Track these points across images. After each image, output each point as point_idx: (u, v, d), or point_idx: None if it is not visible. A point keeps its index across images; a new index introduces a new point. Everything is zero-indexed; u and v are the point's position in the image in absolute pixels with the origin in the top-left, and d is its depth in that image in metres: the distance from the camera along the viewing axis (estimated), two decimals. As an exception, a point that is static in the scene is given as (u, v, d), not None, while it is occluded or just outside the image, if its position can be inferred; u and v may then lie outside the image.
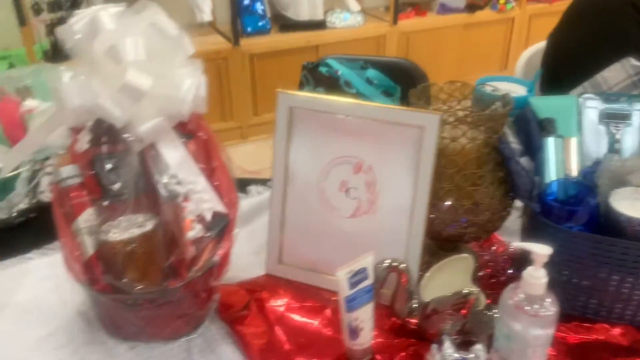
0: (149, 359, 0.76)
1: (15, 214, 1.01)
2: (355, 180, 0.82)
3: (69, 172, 0.77)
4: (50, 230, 0.99)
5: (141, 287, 0.72)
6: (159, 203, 0.76)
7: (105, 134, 0.76)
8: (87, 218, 0.77)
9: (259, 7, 2.88)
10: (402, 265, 0.76)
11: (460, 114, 0.86)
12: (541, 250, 0.61)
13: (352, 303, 0.71)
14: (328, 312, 0.82)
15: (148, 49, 0.72)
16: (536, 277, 0.62)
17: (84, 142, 0.74)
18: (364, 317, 0.72)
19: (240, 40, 2.78)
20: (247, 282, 0.88)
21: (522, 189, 0.80)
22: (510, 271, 0.89)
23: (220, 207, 0.78)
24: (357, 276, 0.71)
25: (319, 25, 2.94)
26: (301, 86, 1.69)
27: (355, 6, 3.01)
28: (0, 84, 1.04)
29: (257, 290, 0.86)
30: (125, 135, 0.74)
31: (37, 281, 0.90)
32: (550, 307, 0.62)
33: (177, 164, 0.78)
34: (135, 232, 0.73)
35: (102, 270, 0.75)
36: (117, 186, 0.78)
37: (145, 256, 0.73)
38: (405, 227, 0.80)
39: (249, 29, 2.86)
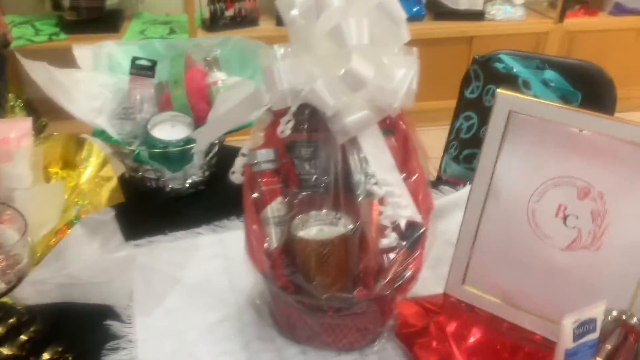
0: (322, 370, 0.70)
1: (187, 185, 1.00)
2: (578, 207, 0.70)
3: (265, 156, 0.73)
4: (219, 206, 0.98)
5: (330, 293, 0.66)
6: (354, 203, 0.70)
7: (307, 120, 0.71)
8: (277, 207, 0.72)
9: (415, -9, 2.75)
10: (634, 321, 0.63)
11: None
12: None
13: (573, 357, 0.60)
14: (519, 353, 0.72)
15: (370, 32, 0.64)
16: None
17: (286, 127, 0.69)
18: (582, 374, 0.61)
19: (392, 25, 2.67)
20: (424, 299, 0.80)
21: None
22: None
23: (417, 216, 0.70)
24: (584, 327, 0.60)
25: (478, 15, 2.76)
26: (468, 81, 1.56)
27: (518, -1, 2.79)
28: (190, 52, 1.03)
29: (436, 312, 0.77)
30: (331, 125, 0.68)
31: (207, 259, 0.88)
32: None
33: (377, 162, 0.70)
34: (333, 233, 0.67)
35: (286, 266, 0.70)
36: (312, 178, 0.72)
37: (339, 261, 0.67)
38: (636, 272, 0.67)
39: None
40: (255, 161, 0.72)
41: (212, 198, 1.01)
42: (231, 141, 1.01)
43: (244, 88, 0.94)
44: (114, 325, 0.74)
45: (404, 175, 0.72)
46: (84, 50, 1.06)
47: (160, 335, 0.74)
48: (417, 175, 0.73)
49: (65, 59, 2.93)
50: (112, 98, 1.00)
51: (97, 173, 0.68)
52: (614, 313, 0.63)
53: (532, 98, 0.72)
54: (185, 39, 1.09)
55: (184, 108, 0.99)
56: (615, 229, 0.68)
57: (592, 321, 0.60)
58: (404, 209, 0.69)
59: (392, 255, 0.69)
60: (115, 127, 0.97)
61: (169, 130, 0.97)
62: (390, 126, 0.74)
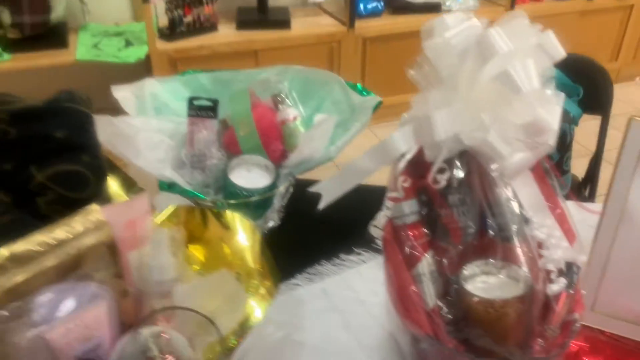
0: None
1: (266, 232, 0.93)
2: None
3: (411, 208, 0.68)
4: (303, 250, 0.92)
5: (517, 353, 0.63)
6: (510, 249, 0.67)
7: (457, 166, 0.67)
8: (429, 261, 0.68)
9: (372, -13, 2.74)
10: None
11: None
12: None
13: None
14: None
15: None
16: None
17: (442, 178, 0.64)
18: None
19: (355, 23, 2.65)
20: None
21: None
22: None
23: (580, 256, 0.68)
24: None
25: (435, 7, 2.79)
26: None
27: (471, -12, 2.85)
28: (247, 85, 0.95)
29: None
30: (491, 170, 0.64)
31: (317, 315, 0.82)
32: None
33: (531, 204, 0.68)
34: (506, 287, 0.64)
35: (447, 324, 0.66)
36: (463, 225, 0.68)
37: (518, 318, 0.64)
38: None
39: (362, 11, 2.72)
40: (402, 214, 0.67)
41: (292, 242, 0.94)
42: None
43: (328, 124, 0.88)
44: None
45: (552, 212, 0.70)
46: (125, 92, 0.94)
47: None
48: (558, 209, 0.71)
49: (10, 83, 2.69)
50: (173, 145, 0.90)
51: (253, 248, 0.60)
52: None
53: (667, 123, 0.72)
54: (232, 71, 0.99)
55: (255, 149, 0.91)
56: None
57: None
58: (565, 250, 0.67)
59: (558, 300, 0.67)
60: (185, 178, 0.88)
61: (246, 175, 0.89)
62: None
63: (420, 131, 0.64)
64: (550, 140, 0.65)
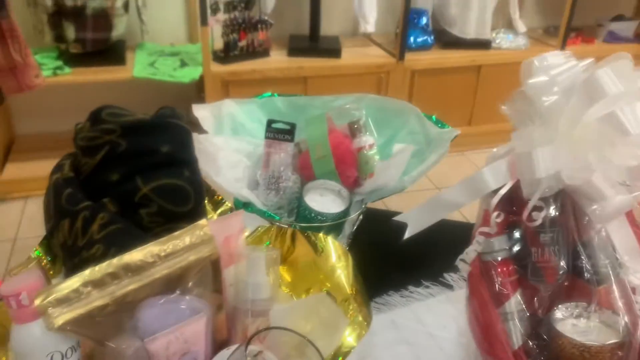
0: None
1: (334, 258, 0.92)
2: None
3: (501, 244, 0.67)
4: (369, 279, 0.91)
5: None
6: (602, 293, 0.65)
7: (554, 203, 0.66)
8: (517, 300, 0.66)
9: (423, 20, 2.76)
10: None
11: None
12: None
13: None
14: None
15: None
16: None
17: (538, 216, 0.63)
18: None
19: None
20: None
21: None
22: None
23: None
24: None
25: (485, 44, 2.80)
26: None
27: (522, 27, 2.86)
28: (322, 111, 0.96)
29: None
30: (589, 211, 0.63)
31: (388, 347, 0.80)
32: None
33: (624, 247, 0.66)
34: (605, 336, 0.62)
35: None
36: (555, 265, 0.67)
37: (613, 362, 0.62)
38: None
39: (412, 44, 2.74)
40: (492, 250, 0.67)
41: (360, 270, 0.93)
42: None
43: (405, 153, 0.88)
44: None
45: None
46: (204, 111, 0.96)
47: None
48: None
49: (68, 95, 2.75)
50: (250, 166, 0.92)
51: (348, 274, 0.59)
52: None
53: None
54: (308, 97, 1.00)
55: (329, 174, 0.91)
56: None
57: None
58: (660, 297, 0.65)
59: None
60: (260, 198, 0.89)
61: (319, 199, 0.89)
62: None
63: (520, 167, 0.63)
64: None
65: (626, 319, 0.63)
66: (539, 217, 0.64)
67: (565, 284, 0.66)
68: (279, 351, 0.55)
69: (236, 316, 0.59)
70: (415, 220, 0.71)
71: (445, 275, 0.93)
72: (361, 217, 0.93)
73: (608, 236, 0.66)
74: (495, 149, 0.72)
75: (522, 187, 0.64)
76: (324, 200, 0.90)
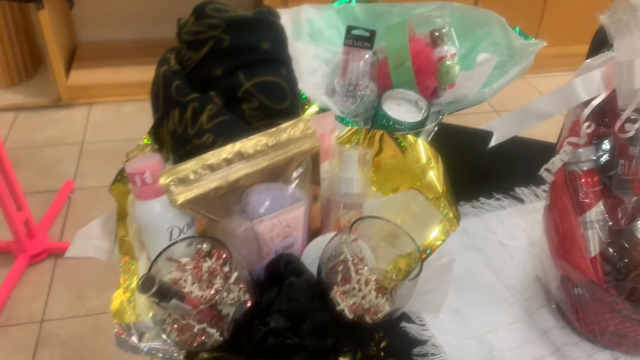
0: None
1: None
2: None
3: (588, 154, 0.67)
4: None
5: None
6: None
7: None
8: (600, 210, 0.68)
9: None
10: None
11: None
12: None
13: None
14: None
15: None
16: None
17: (630, 127, 0.63)
18: None
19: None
20: None
21: None
22: None
23: None
24: None
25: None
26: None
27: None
28: (403, 18, 0.94)
29: None
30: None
31: (457, 251, 0.83)
32: None
33: None
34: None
35: (612, 273, 0.66)
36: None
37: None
38: None
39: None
40: (578, 160, 0.67)
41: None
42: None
43: (488, 64, 0.88)
44: (410, 328, 0.71)
45: None
46: (283, 16, 0.96)
47: (462, 339, 0.71)
48: None
49: (131, 3, 2.77)
50: (328, 72, 0.93)
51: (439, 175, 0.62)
52: None
53: None
54: (387, 3, 0.99)
55: (407, 83, 0.92)
56: None
57: None
58: None
59: None
60: (337, 105, 0.90)
61: (396, 109, 0.90)
62: None
63: (619, 76, 0.62)
64: None
65: None
66: (632, 129, 0.64)
67: (649, 196, 0.67)
68: (369, 241, 0.59)
69: (330, 208, 0.62)
70: (502, 129, 0.72)
71: (517, 189, 0.94)
72: (437, 128, 0.94)
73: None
74: (588, 60, 0.70)
75: (618, 97, 0.64)
76: (401, 109, 0.90)
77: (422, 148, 0.64)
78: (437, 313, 0.72)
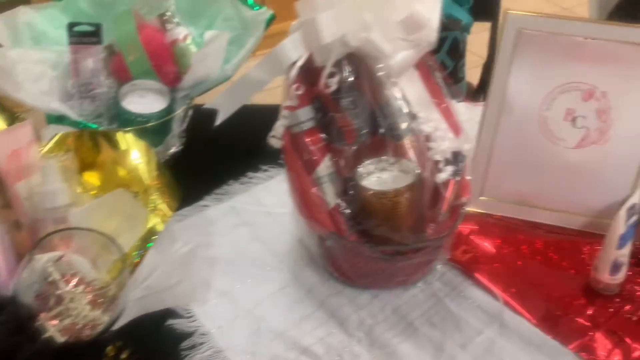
0: (400, 307, 0.73)
1: (168, 157, 0.91)
2: (584, 108, 0.78)
3: (306, 114, 0.69)
4: (208, 172, 0.92)
5: (407, 236, 0.68)
6: (401, 145, 0.71)
7: (346, 69, 0.68)
8: (327, 164, 0.70)
9: None
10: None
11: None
12: None
13: (624, 240, 0.70)
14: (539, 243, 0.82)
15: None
16: None
17: (332, 82, 0.66)
18: (627, 252, 0.72)
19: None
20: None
21: None
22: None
23: (465, 145, 0.73)
24: (631, 211, 0.70)
25: None
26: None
27: None
28: (130, 5, 0.90)
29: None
30: (377, 70, 0.66)
31: (228, 231, 0.83)
32: None
33: (417, 101, 0.71)
34: (398, 180, 0.68)
35: (348, 220, 0.70)
36: (356, 127, 0.71)
37: (411, 205, 0.68)
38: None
39: None
40: (298, 122, 0.69)
41: (196, 165, 0.93)
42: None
43: (220, 41, 0.87)
44: (178, 323, 0.69)
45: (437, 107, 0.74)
46: (-5, 23, 0.87)
47: (231, 319, 0.71)
48: (443, 104, 0.75)
49: None
50: (57, 76, 0.86)
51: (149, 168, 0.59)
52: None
53: (538, 14, 0.77)
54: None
55: (147, 73, 0.88)
56: (620, 123, 0.78)
57: (634, 205, 0.70)
58: (451, 141, 0.72)
59: (447, 188, 0.72)
60: (74, 109, 0.84)
61: (140, 101, 0.87)
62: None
63: (308, 36, 0.64)
64: (431, 36, 0.68)
65: (418, 163, 0.68)
66: (333, 83, 0.66)
67: (368, 143, 0.70)
68: (87, 252, 0.55)
69: (38, 228, 0.57)
70: (225, 105, 0.72)
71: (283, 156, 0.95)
72: (190, 113, 0.92)
73: (402, 92, 0.70)
74: (294, 22, 0.72)
75: (314, 55, 0.66)
76: (146, 101, 0.87)
77: (131, 143, 0.61)
78: (200, 301, 0.71)
